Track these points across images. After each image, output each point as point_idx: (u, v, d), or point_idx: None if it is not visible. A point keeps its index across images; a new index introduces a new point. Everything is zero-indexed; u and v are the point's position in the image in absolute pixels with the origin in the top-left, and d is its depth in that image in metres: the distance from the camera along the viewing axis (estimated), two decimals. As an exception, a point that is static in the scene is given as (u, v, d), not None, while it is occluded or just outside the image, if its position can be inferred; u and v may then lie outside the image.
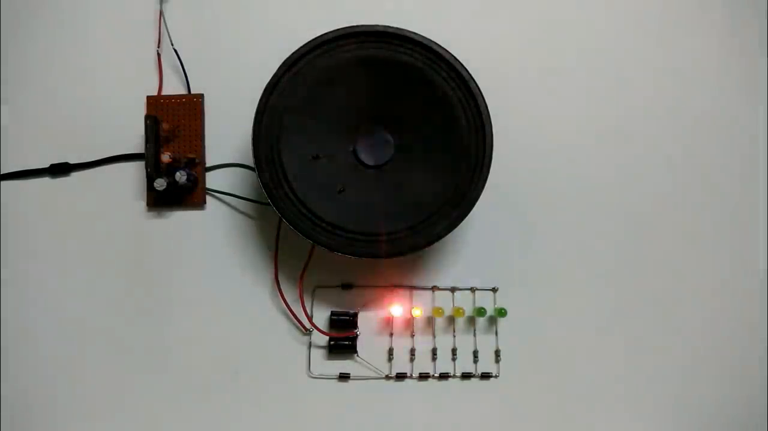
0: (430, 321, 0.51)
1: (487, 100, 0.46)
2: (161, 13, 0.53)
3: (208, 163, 0.52)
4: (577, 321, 0.51)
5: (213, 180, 0.52)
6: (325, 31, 0.46)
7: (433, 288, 0.51)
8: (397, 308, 0.50)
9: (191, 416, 0.49)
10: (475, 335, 0.51)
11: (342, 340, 0.50)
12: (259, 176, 0.46)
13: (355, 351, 0.50)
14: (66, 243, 0.51)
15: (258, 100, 0.46)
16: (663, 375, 0.51)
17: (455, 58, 0.46)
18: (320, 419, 0.49)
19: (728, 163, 0.53)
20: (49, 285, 0.50)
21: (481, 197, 0.46)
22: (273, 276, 0.50)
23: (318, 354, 0.50)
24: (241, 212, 0.52)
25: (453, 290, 0.51)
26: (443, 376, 0.50)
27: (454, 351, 0.50)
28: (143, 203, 0.51)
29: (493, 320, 0.51)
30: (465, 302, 0.51)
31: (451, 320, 0.51)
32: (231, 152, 0.52)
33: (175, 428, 0.49)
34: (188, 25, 0.53)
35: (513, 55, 0.54)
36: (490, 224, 0.52)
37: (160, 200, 0.51)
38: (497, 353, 0.50)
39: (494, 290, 0.51)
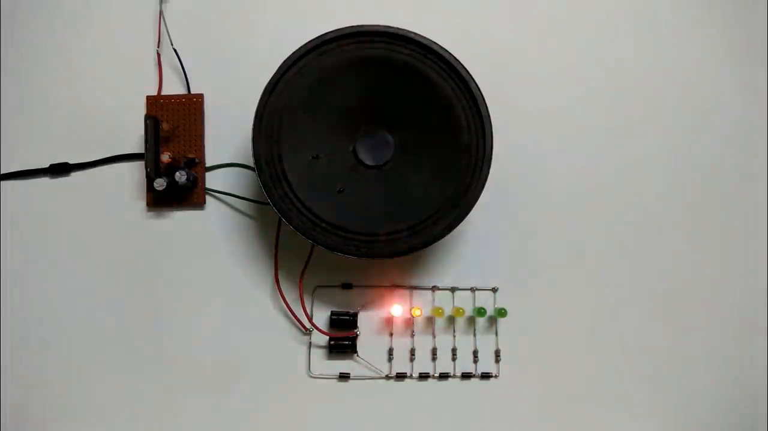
0: (430, 321, 0.51)
1: (487, 100, 0.46)
2: (161, 13, 0.53)
3: (208, 163, 0.52)
4: (577, 321, 0.51)
5: (213, 180, 0.52)
6: (325, 31, 0.46)
7: (433, 288, 0.51)
8: (397, 308, 0.50)
9: (191, 416, 0.49)
10: (475, 335, 0.51)
11: (342, 340, 0.50)
12: (259, 176, 0.45)
13: (355, 351, 0.50)
14: (66, 243, 0.51)
15: (258, 101, 0.46)
16: (663, 375, 0.51)
17: (455, 58, 0.46)
18: (320, 419, 0.49)
19: (729, 163, 0.53)
20: (48, 285, 0.50)
21: (481, 197, 0.46)
22: (273, 276, 0.50)
23: (318, 354, 0.50)
24: (241, 212, 0.52)
25: (453, 290, 0.51)
26: (443, 376, 0.50)
27: (454, 351, 0.50)
28: (143, 203, 0.51)
29: (493, 321, 0.51)
30: (465, 302, 0.51)
31: (451, 320, 0.51)
32: (231, 152, 0.52)
33: (175, 428, 0.49)
34: (188, 25, 0.53)
35: (512, 55, 0.54)
36: (490, 224, 0.52)
37: (160, 200, 0.51)
38: (497, 353, 0.50)
39: (494, 290, 0.51)
